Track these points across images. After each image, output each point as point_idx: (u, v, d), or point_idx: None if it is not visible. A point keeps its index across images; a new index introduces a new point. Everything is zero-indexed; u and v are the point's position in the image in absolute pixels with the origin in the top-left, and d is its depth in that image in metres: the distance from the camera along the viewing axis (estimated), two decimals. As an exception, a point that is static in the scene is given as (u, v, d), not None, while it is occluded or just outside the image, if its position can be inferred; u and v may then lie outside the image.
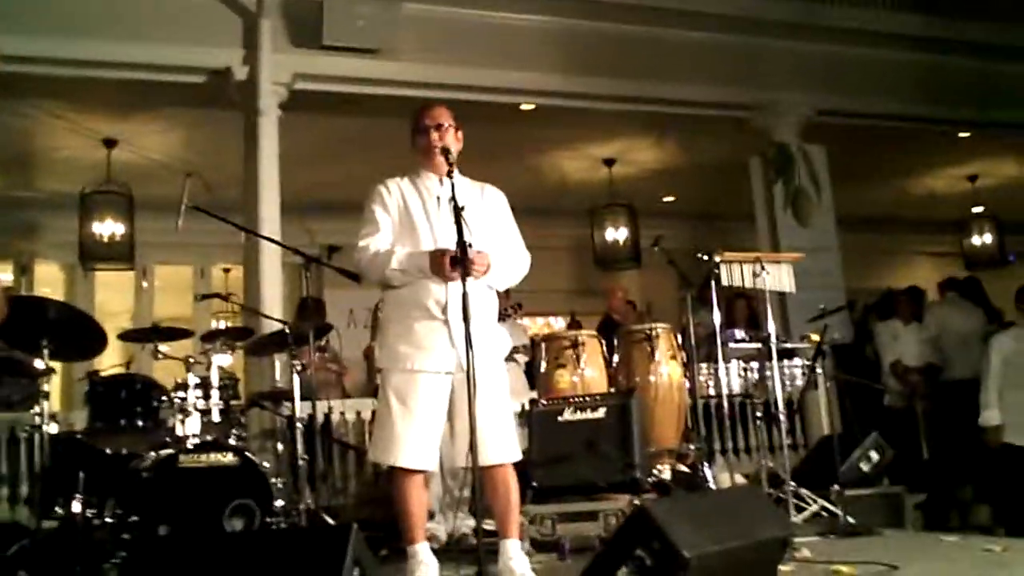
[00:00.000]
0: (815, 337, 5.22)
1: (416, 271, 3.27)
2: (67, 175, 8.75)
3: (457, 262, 3.03)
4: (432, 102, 3.55)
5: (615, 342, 5.46)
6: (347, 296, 8.89)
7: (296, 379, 4.82)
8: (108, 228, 8.50)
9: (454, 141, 3.43)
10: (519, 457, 3.39)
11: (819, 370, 5.33)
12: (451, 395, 3.33)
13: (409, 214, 3.39)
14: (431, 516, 5.08)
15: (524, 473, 4.27)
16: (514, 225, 3.56)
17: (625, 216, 10.12)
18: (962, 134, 9.64)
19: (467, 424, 3.16)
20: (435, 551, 4.74)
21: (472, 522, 4.86)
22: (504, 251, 3.43)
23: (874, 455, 5.58)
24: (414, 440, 3.24)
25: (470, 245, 3.08)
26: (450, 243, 3.16)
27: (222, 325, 8.32)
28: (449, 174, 3.24)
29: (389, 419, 3.28)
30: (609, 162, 9.92)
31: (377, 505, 6.03)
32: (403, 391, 3.28)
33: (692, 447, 5.37)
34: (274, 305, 6.49)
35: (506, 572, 3.26)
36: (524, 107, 8.10)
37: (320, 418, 5.64)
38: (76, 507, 4.45)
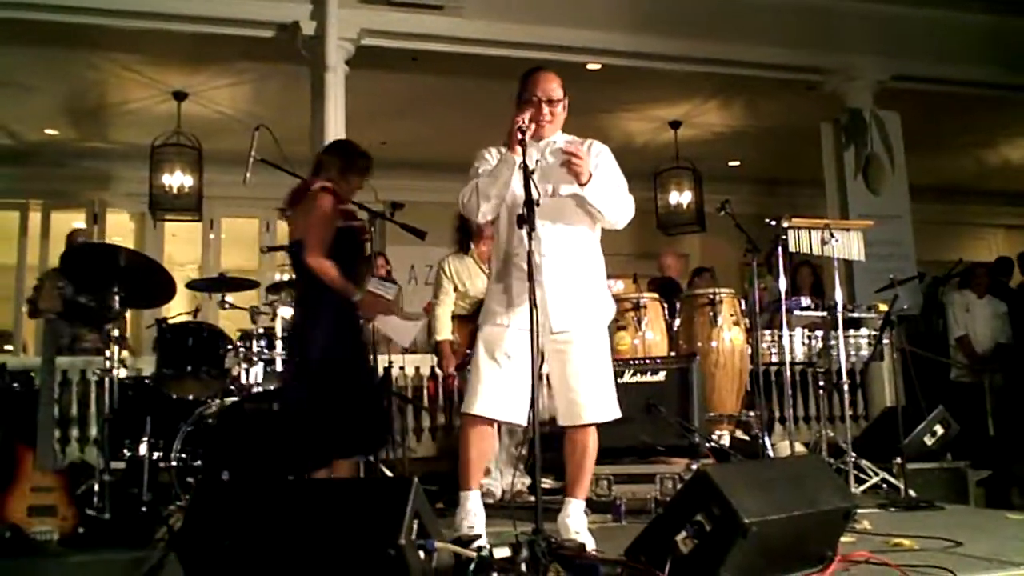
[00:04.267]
0: (883, 307, 5.12)
1: (503, 165, 3.23)
2: (138, 127, 8.91)
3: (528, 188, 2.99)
4: (542, 68, 3.45)
5: (677, 306, 5.41)
6: (409, 253, 8.96)
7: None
8: (177, 180, 8.68)
9: (556, 114, 3.39)
10: (617, 415, 3.37)
11: (885, 341, 5.23)
12: (546, 355, 3.33)
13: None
14: (487, 472, 5.12)
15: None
16: (617, 175, 3.45)
17: (689, 179, 10.02)
18: (1043, 102, 9.30)
19: (563, 383, 3.27)
20: (490, 507, 4.83)
21: (528, 479, 4.90)
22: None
23: (939, 429, 5.47)
24: (504, 394, 3.26)
25: (537, 204, 3.05)
26: (542, 201, 3.13)
27: (286, 278, 8.41)
28: (522, 143, 3.16)
29: (479, 372, 3.32)
30: (675, 124, 9.79)
31: (434, 460, 6.11)
32: (491, 344, 3.31)
33: (752, 414, 5.33)
34: (337, 260, 6.55)
35: (563, 529, 3.28)
36: (591, 67, 8.02)
37: (380, 372, 5.69)
38: (143, 450, 4.58)
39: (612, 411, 3.37)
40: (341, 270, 3.93)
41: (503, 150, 3.35)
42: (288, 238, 4.23)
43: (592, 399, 3.31)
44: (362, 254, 4.16)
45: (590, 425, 3.34)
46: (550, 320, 3.24)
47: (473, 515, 3.30)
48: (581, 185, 3.23)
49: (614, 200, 3.35)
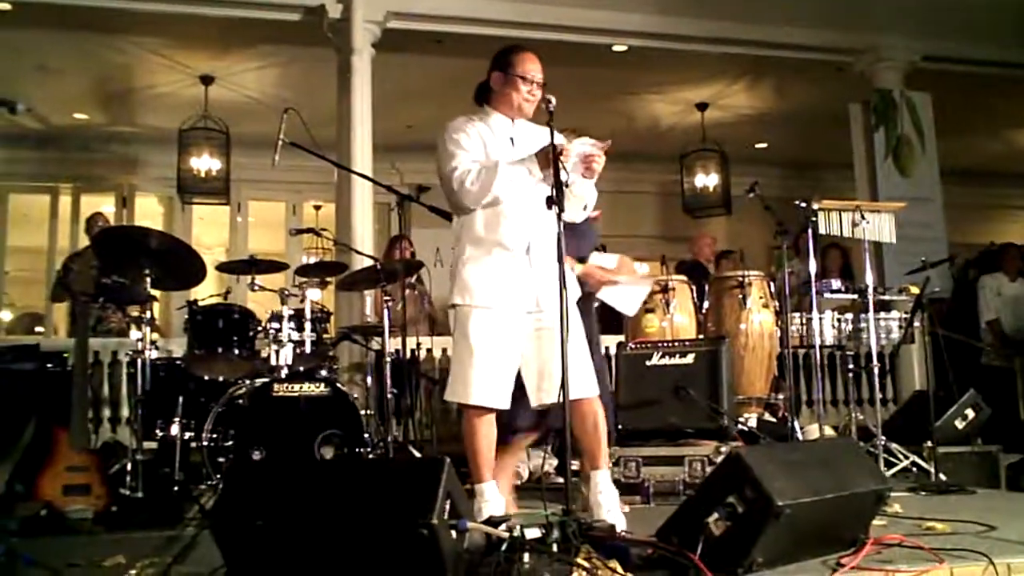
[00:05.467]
0: (914, 290, 5.07)
1: (525, 176, 3.21)
2: (166, 111, 8.97)
3: (557, 201, 2.97)
4: (529, 48, 3.47)
5: (706, 289, 5.40)
6: (434, 235, 8.95)
7: (387, 314, 4.88)
8: (205, 163, 8.75)
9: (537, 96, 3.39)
10: (596, 393, 3.35)
11: (916, 324, 5.18)
12: (528, 335, 3.32)
13: (487, 152, 3.35)
14: (513, 454, 5.14)
15: (611, 415, 4.27)
16: None
17: (716, 162, 9.96)
18: (1077, 84, 9.14)
19: (542, 365, 3.22)
20: (518, 488, 4.84)
21: (555, 460, 4.91)
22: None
23: (970, 413, 5.42)
24: (491, 378, 3.23)
25: (567, 184, 3.04)
26: (531, 183, 3.17)
27: (312, 260, 8.46)
28: (549, 123, 3.14)
29: (467, 357, 3.25)
30: (702, 106, 9.72)
31: (460, 441, 6.11)
32: (481, 329, 3.25)
33: (780, 397, 5.31)
34: (365, 241, 6.60)
35: (595, 507, 3.26)
36: (617, 48, 7.98)
37: (407, 354, 5.71)
38: (174, 430, 4.63)
39: (595, 386, 3.36)
40: (571, 247, 3.87)
41: (476, 125, 3.37)
42: None
43: (585, 372, 3.28)
44: (590, 230, 4.14)
45: (594, 397, 3.32)
46: (539, 299, 3.20)
47: (494, 504, 3.28)
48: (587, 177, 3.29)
49: (595, 195, 3.42)
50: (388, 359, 4.89)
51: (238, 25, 7.28)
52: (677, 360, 4.54)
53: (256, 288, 4.99)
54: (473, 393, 3.22)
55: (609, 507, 3.25)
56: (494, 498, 3.31)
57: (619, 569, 2.46)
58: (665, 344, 4.66)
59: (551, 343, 3.19)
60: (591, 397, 3.32)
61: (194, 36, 7.72)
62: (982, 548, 2.72)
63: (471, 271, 3.31)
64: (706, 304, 5.33)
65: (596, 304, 4.15)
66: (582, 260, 4.01)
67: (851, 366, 5.36)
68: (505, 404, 3.29)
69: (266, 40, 7.78)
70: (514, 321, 3.27)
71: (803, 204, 4.92)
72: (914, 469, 4.90)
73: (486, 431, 3.30)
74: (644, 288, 4.31)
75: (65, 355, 5.06)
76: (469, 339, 3.25)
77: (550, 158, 3.10)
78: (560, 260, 2.93)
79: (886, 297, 5.22)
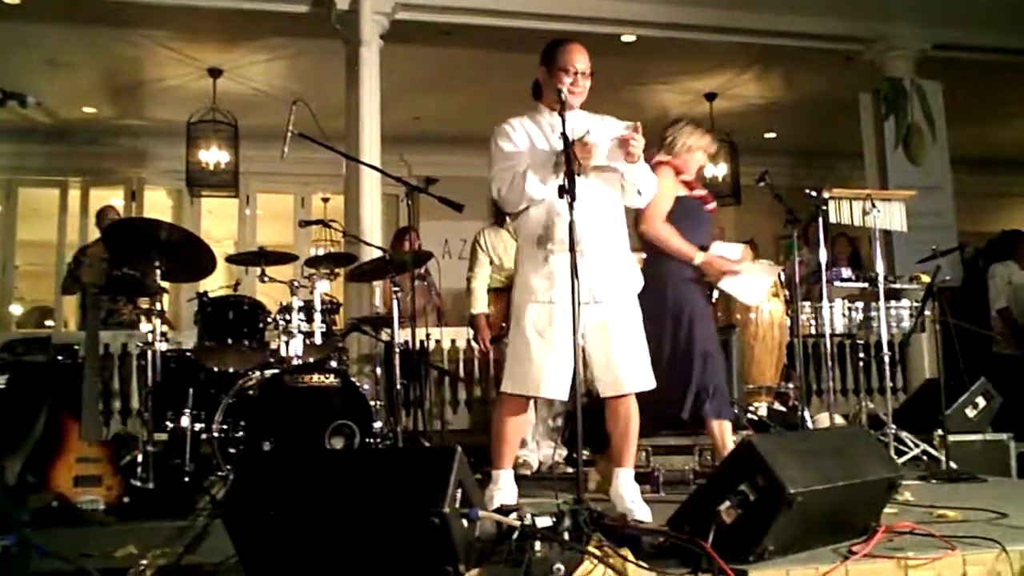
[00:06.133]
0: (925, 278, 5.06)
1: (551, 175, 3.25)
2: (175, 104, 8.98)
3: (569, 190, 2.97)
4: (575, 41, 3.50)
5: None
6: (442, 226, 8.96)
7: (395, 305, 4.88)
8: (213, 156, 8.76)
9: (586, 87, 3.42)
10: (652, 385, 3.39)
11: (927, 312, 5.16)
12: (585, 327, 3.33)
13: (535, 151, 3.39)
14: (523, 444, 5.15)
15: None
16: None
17: (725, 152, 9.92)
18: (1089, 71, 9.08)
19: (604, 354, 3.28)
20: (528, 477, 4.85)
21: (564, 450, 4.92)
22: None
23: (980, 401, 5.40)
24: (552, 370, 3.27)
25: (579, 174, 3.04)
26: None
27: (321, 252, 8.47)
28: (561, 112, 3.19)
29: (527, 351, 3.30)
30: (710, 96, 9.70)
31: (470, 432, 6.15)
32: (539, 322, 3.31)
33: (790, 386, 5.29)
34: (374, 233, 6.60)
35: (617, 500, 3.31)
36: (625, 39, 7.96)
37: (417, 345, 5.71)
38: (185, 421, 4.64)
39: (650, 379, 3.40)
40: (686, 237, 4.00)
41: (524, 125, 3.42)
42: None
43: (633, 368, 3.34)
44: (706, 221, 4.21)
45: (631, 394, 3.37)
46: (593, 291, 3.24)
47: (507, 492, 3.32)
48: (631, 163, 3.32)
49: (651, 179, 3.48)
50: (397, 350, 4.89)
51: (246, 17, 7.28)
52: (687, 349, 4.51)
53: (265, 280, 5.00)
54: (537, 385, 3.28)
55: (632, 498, 3.31)
56: (508, 486, 3.36)
57: (631, 557, 2.46)
58: (675, 333, 4.63)
59: (613, 334, 3.29)
60: (629, 395, 3.36)
61: (202, 29, 7.73)
62: (994, 535, 2.72)
63: (527, 267, 3.39)
64: (715, 293, 5.31)
65: (712, 293, 4.23)
66: (703, 249, 4.05)
67: (861, 355, 5.33)
68: (560, 395, 3.34)
69: (274, 32, 7.78)
70: (568, 314, 3.27)
71: (814, 193, 4.91)
72: (925, 458, 4.90)
73: (518, 421, 3.38)
74: (769, 278, 4.35)
75: (76, 347, 5.08)
76: (526, 333, 3.33)
77: (573, 151, 3.12)
78: (572, 250, 2.94)
79: (897, 286, 5.21)
